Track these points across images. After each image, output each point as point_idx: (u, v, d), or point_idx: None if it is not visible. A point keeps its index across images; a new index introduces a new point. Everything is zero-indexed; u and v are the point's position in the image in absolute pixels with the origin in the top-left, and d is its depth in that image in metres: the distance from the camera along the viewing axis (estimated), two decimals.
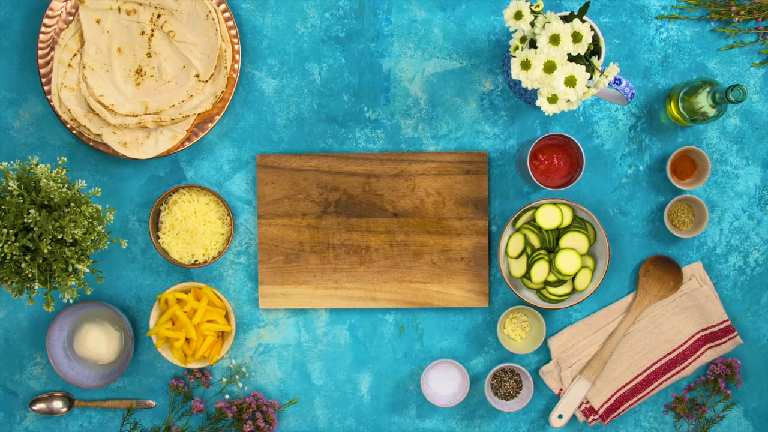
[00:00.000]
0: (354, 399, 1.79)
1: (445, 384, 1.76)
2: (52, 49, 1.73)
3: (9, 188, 1.52)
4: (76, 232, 1.52)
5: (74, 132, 1.73)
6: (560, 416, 1.76)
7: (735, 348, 1.78)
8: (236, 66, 1.73)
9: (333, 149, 1.77)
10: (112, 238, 1.68)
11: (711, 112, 1.65)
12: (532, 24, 1.51)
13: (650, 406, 1.79)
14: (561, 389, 1.78)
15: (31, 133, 1.78)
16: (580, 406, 1.78)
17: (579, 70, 1.49)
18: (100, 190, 1.60)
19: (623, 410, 1.77)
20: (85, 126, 1.72)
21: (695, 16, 1.75)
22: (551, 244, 1.72)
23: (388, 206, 1.76)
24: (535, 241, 1.72)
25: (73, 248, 1.53)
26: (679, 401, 1.77)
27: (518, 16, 1.50)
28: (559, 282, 1.72)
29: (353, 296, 1.77)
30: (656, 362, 1.77)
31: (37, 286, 1.54)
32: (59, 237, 1.51)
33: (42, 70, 1.73)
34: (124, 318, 1.73)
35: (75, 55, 1.72)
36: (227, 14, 1.73)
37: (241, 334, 1.79)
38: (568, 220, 1.71)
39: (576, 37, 1.48)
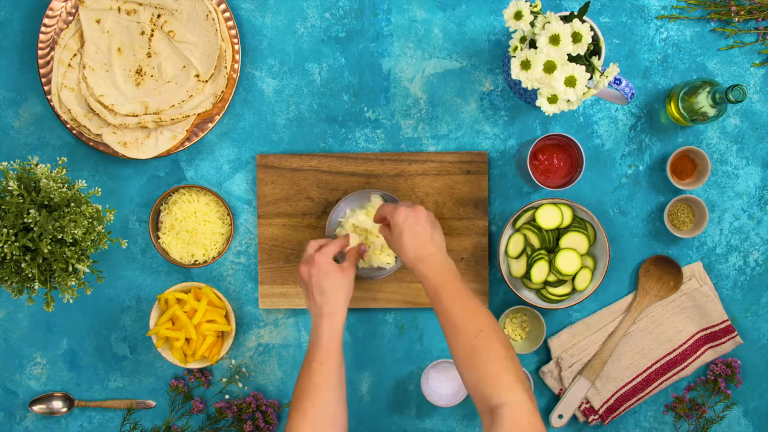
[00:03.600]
0: (354, 399, 1.79)
1: (445, 384, 1.75)
2: (52, 49, 1.73)
3: (9, 188, 1.52)
4: (76, 232, 1.52)
5: (74, 132, 1.73)
6: (560, 416, 1.76)
7: (735, 348, 1.78)
8: (236, 66, 1.73)
9: (333, 149, 1.77)
10: (112, 238, 1.68)
11: (711, 112, 1.65)
12: (532, 24, 1.51)
13: (650, 406, 1.79)
14: (561, 389, 1.78)
15: (31, 133, 1.78)
16: (580, 406, 1.78)
17: (579, 70, 1.49)
18: (100, 190, 1.60)
19: (623, 410, 1.77)
20: (85, 126, 1.72)
21: (695, 16, 1.75)
22: (551, 244, 1.72)
23: None
24: (535, 241, 1.72)
25: (73, 248, 1.53)
26: (679, 401, 1.77)
27: (518, 16, 1.50)
28: (559, 282, 1.72)
29: (353, 296, 1.77)
30: (656, 362, 1.77)
31: (37, 286, 1.54)
32: (59, 237, 1.51)
33: (42, 70, 1.73)
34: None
35: (75, 55, 1.72)
36: (227, 14, 1.73)
37: (241, 334, 1.79)
38: (568, 220, 1.71)
39: (576, 37, 1.48)
